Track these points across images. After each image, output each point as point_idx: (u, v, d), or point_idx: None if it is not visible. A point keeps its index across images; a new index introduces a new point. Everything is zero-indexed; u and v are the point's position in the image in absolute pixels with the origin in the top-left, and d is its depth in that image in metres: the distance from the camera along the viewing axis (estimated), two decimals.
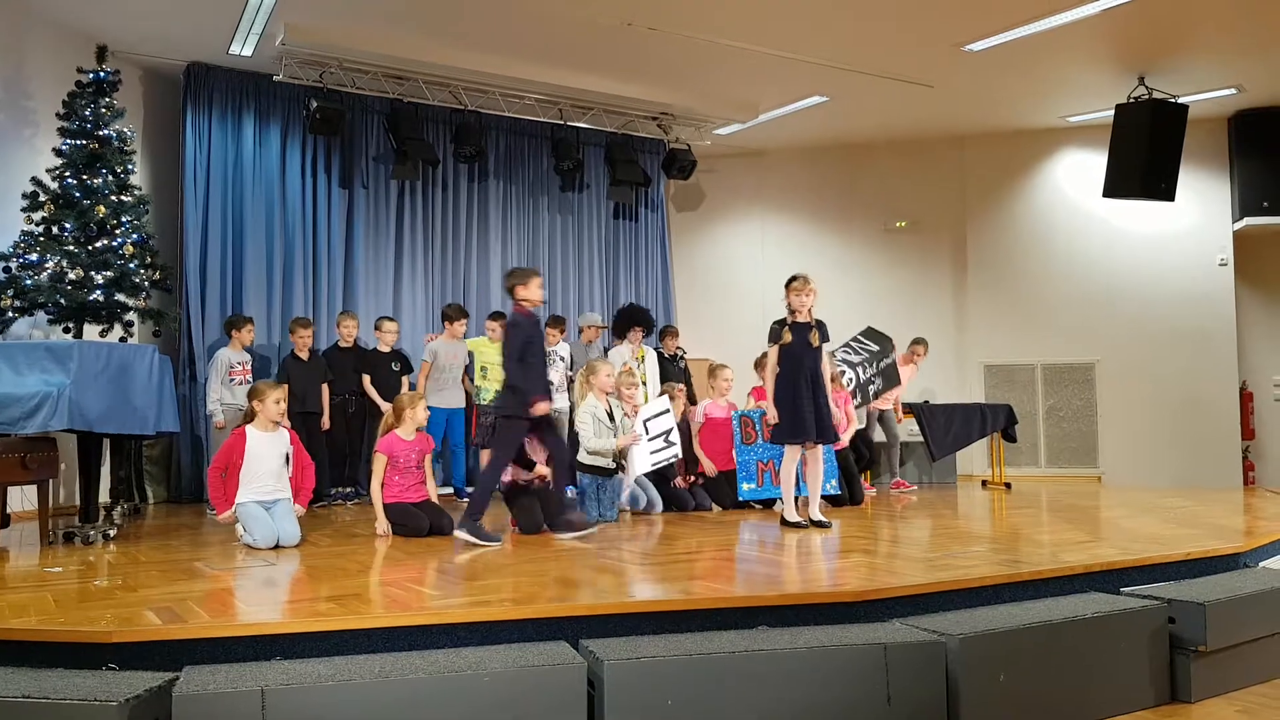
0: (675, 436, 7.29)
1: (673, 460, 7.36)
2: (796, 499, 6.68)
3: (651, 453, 7.24)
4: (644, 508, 7.44)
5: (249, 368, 8.24)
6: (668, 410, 7.33)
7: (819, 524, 6.47)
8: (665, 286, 11.90)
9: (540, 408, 5.85)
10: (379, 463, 6.33)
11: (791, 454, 6.61)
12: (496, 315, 9.21)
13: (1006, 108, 10.82)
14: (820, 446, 6.60)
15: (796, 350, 6.55)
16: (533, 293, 6.04)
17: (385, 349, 8.81)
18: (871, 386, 9.16)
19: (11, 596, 4.09)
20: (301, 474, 6.16)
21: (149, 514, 7.86)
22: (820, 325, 6.58)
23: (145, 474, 8.40)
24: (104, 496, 6.99)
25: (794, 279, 6.63)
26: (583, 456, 7.07)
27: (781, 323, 6.61)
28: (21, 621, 3.54)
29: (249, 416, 6.14)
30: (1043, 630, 3.87)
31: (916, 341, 10.26)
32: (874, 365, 9.19)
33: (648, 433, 7.25)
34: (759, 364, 8.36)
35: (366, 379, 8.67)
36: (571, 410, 7.75)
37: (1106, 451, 11.22)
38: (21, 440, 5.76)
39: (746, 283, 12.02)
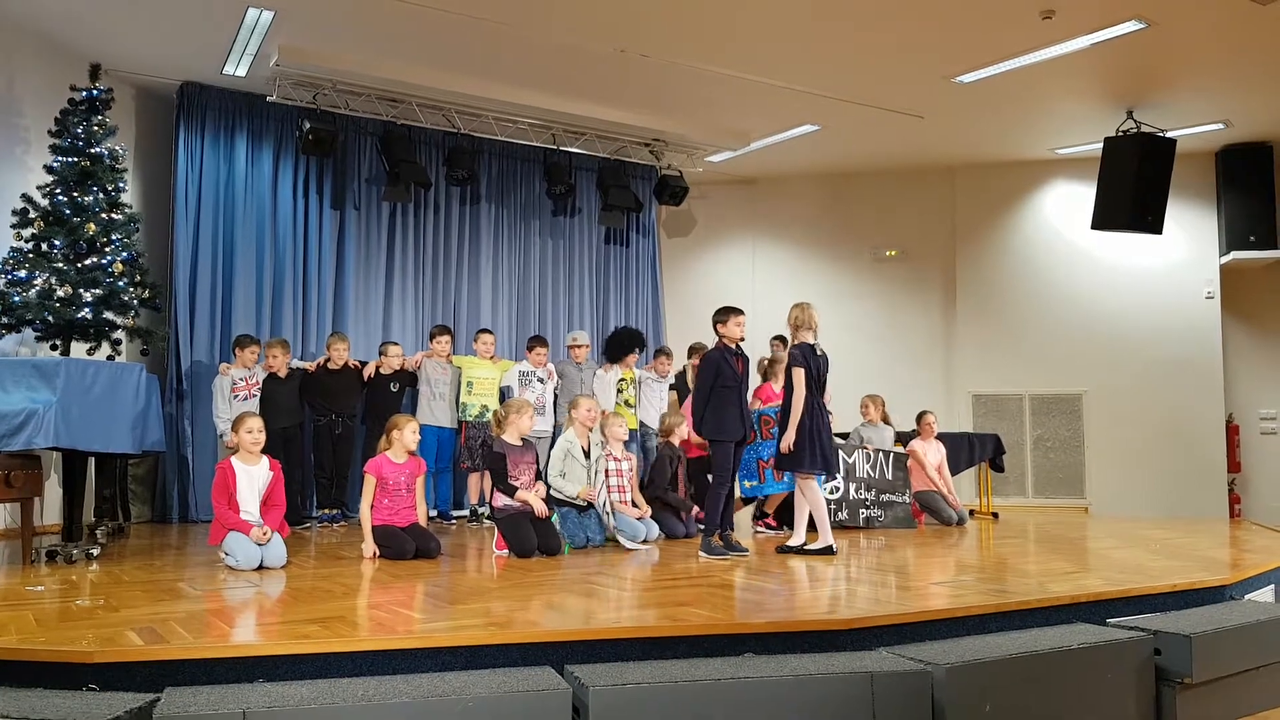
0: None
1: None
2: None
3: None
4: (644, 539, 7.31)
5: (251, 382, 8.24)
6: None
7: (803, 550, 6.49)
8: (655, 312, 11.91)
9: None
10: (368, 484, 6.32)
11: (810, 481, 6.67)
12: (484, 331, 9.25)
13: (996, 139, 10.90)
14: (806, 476, 6.61)
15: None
16: (731, 330, 6.54)
17: (387, 371, 8.77)
18: (863, 511, 8.48)
19: None
20: (269, 510, 5.99)
21: (133, 533, 7.80)
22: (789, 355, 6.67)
23: (130, 493, 8.35)
24: (88, 515, 6.96)
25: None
26: (554, 490, 7.07)
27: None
28: (2, 640, 3.50)
29: (234, 448, 6.12)
30: (1029, 661, 3.86)
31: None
32: (872, 491, 8.56)
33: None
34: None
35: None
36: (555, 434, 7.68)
37: (1093, 482, 11.24)
38: (6, 457, 5.72)
39: None
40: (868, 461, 8.63)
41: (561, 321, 11.16)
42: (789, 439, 6.42)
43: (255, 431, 6.07)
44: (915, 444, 9.34)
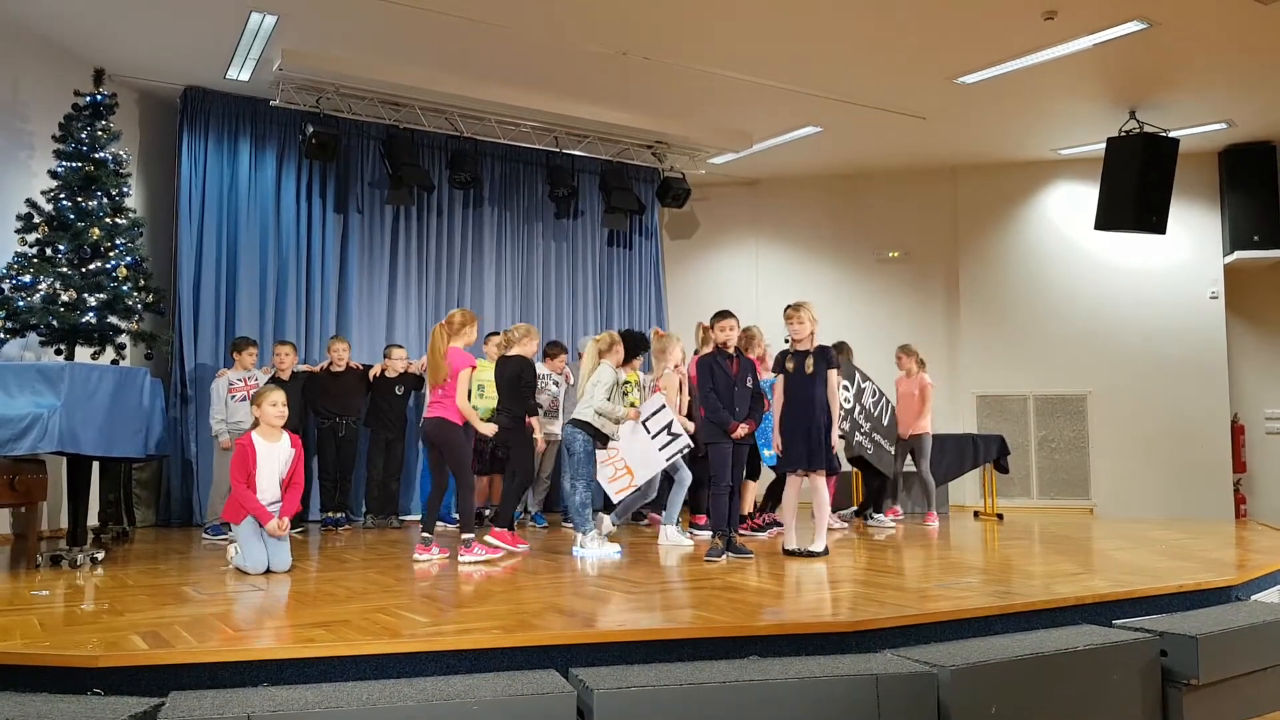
0: (678, 427, 7.21)
1: (685, 449, 7.22)
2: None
3: (660, 449, 7.21)
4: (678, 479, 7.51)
5: (250, 383, 8.23)
6: (664, 406, 7.28)
7: (810, 553, 6.47)
8: (659, 314, 11.91)
9: (741, 430, 6.49)
10: (465, 378, 6.39)
11: (792, 483, 6.66)
12: (495, 334, 9.23)
13: (998, 140, 10.90)
14: (819, 475, 6.59)
15: (793, 378, 6.64)
16: (720, 334, 6.68)
17: (391, 374, 8.78)
18: (858, 435, 8.82)
19: None
20: (289, 489, 5.96)
21: (137, 537, 7.80)
22: (821, 352, 6.62)
23: (134, 497, 8.35)
24: (92, 520, 6.96)
25: (787, 307, 6.79)
26: (587, 415, 6.97)
27: (784, 353, 6.77)
28: (6, 645, 3.51)
29: (254, 424, 6.08)
30: (1035, 662, 3.86)
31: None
32: (867, 424, 8.92)
33: (649, 432, 7.23)
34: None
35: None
36: (564, 438, 7.66)
37: (1098, 483, 11.22)
38: (10, 462, 5.72)
39: (740, 311, 11.75)
40: (874, 397, 8.98)
41: (565, 324, 11.17)
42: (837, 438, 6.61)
43: (280, 405, 5.98)
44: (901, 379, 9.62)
